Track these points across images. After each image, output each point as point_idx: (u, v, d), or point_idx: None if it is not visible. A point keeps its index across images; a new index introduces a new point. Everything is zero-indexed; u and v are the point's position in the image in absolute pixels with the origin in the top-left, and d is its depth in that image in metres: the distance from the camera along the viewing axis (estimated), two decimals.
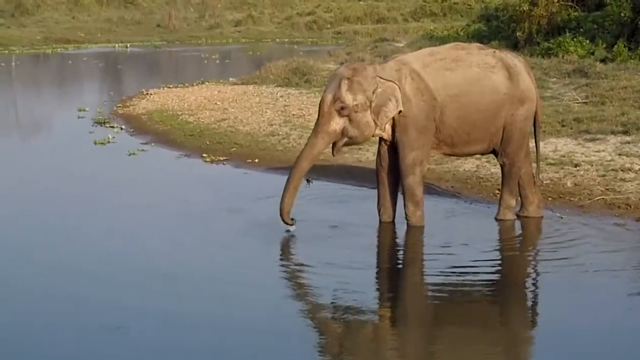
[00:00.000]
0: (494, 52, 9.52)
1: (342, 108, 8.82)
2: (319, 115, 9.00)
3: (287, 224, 8.99)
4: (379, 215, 9.32)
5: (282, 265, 8.41)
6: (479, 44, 10.17)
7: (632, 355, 6.29)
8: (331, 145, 9.05)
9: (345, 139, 8.99)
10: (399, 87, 8.87)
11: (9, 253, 8.65)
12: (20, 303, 7.30)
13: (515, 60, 9.42)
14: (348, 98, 8.82)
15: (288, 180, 8.98)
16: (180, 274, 7.96)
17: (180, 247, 8.81)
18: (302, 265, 8.34)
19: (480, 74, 9.07)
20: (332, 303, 7.30)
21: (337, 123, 8.86)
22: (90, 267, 8.07)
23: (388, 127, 9.05)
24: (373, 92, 8.85)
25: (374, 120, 8.91)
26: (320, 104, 8.98)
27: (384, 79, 8.89)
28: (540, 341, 6.66)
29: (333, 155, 9.35)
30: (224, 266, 8.22)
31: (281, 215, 8.94)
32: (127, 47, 36.39)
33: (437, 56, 9.19)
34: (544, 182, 10.20)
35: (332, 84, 8.95)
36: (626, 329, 6.71)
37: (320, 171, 11.59)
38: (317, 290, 7.64)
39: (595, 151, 11.51)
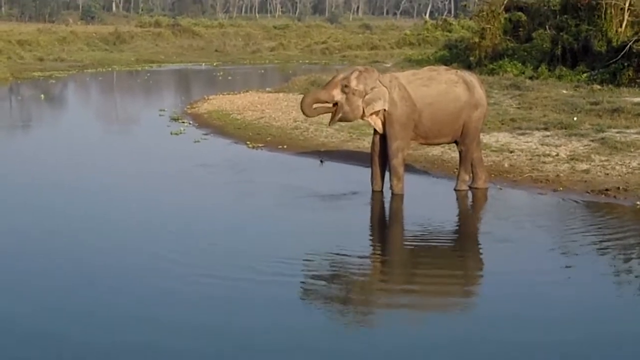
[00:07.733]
0: (456, 71, 9.50)
1: (346, 86, 8.87)
2: (329, 81, 9.09)
3: (305, 114, 9.03)
4: (372, 185, 9.29)
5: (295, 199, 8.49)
6: (445, 66, 10.19)
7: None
8: (330, 117, 9.08)
9: (340, 114, 8.96)
10: (389, 93, 8.86)
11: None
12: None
13: (472, 77, 9.41)
14: (354, 82, 8.87)
15: (302, 100, 9.04)
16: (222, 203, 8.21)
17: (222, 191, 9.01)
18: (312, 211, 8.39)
19: (447, 88, 9.05)
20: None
21: (337, 93, 8.91)
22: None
23: (379, 123, 9.03)
24: (371, 88, 8.88)
25: (363, 108, 8.88)
26: (334, 77, 9.09)
27: (382, 83, 8.90)
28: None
29: (329, 125, 9.43)
30: (249, 205, 8.35)
31: (302, 106, 8.96)
32: (202, 65, 36.29)
33: (418, 75, 9.22)
34: (489, 163, 10.16)
35: (349, 70, 9.18)
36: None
37: (331, 155, 11.56)
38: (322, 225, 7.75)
39: (525, 142, 11.44)
